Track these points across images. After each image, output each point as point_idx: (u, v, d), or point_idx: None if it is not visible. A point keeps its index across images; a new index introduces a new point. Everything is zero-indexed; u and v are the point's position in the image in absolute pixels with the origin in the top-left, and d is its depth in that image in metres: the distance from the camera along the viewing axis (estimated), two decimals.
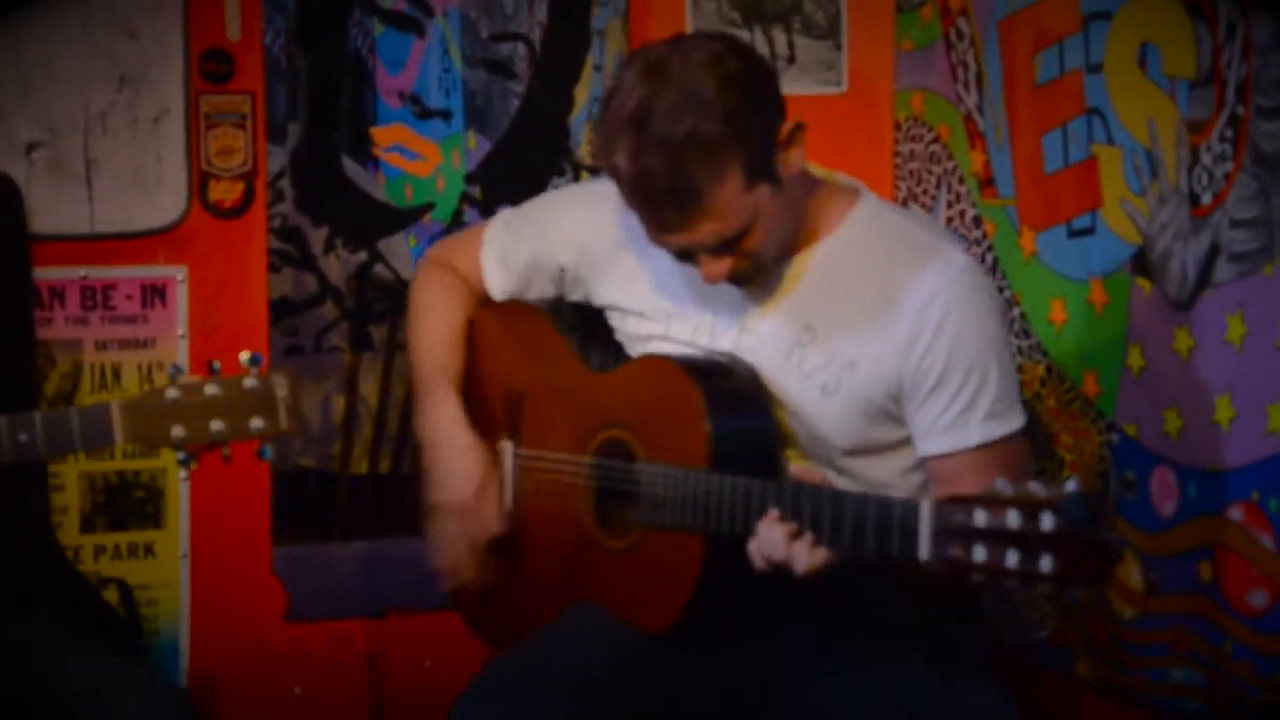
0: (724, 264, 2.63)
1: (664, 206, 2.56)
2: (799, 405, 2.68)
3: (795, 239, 2.70)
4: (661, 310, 2.81)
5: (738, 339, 2.73)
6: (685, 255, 2.65)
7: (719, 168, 2.53)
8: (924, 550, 2.21)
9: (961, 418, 2.63)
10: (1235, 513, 2.89)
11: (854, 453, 2.69)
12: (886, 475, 2.70)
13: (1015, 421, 2.66)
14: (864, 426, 2.68)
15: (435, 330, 2.99)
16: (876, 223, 2.73)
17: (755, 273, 2.68)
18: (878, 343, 2.65)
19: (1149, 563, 3.07)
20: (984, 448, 2.62)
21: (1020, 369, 3.33)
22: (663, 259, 2.76)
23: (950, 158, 3.58)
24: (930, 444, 2.66)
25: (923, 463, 2.69)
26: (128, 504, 3.45)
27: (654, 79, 2.54)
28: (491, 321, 3.00)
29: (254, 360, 2.60)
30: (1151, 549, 3.06)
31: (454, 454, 2.88)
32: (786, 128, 2.61)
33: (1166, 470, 3.04)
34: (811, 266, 2.71)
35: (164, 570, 3.48)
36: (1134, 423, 3.11)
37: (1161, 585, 3.06)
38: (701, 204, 2.54)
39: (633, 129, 2.53)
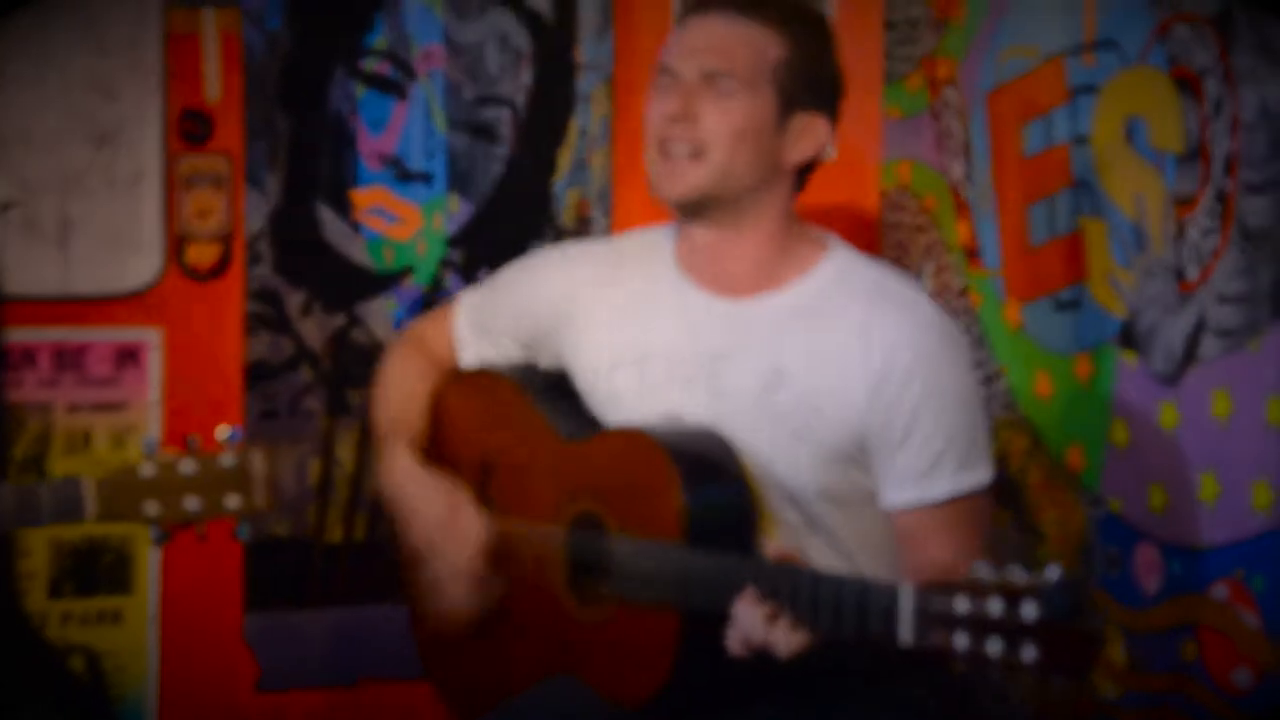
0: (690, 108, 2.63)
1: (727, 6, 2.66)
2: (771, 451, 2.64)
3: (768, 276, 2.69)
4: (635, 353, 2.76)
5: (709, 382, 2.70)
6: (664, 95, 2.67)
7: (774, 43, 2.65)
8: (905, 635, 2.18)
9: (930, 469, 2.60)
10: (1219, 590, 2.87)
11: (827, 501, 2.65)
12: (863, 528, 2.66)
13: (984, 474, 2.64)
14: (835, 473, 2.64)
15: (393, 396, 2.97)
16: (848, 270, 2.71)
17: (694, 174, 2.65)
18: (844, 389, 2.62)
19: (1132, 640, 3.05)
20: (952, 502, 2.60)
21: (1007, 441, 3.30)
22: (633, 304, 2.75)
23: (936, 228, 3.56)
24: (896, 495, 2.62)
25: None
26: (96, 569, 3.41)
27: None
28: (460, 394, 2.98)
29: (232, 437, 2.56)
30: (1135, 625, 3.04)
31: (415, 492, 2.83)
32: (817, 122, 2.70)
33: (1150, 546, 3.01)
34: (782, 308, 2.69)
35: (132, 637, 3.44)
36: (1119, 498, 3.09)
37: (1145, 663, 3.03)
38: (747, 34, 2.64)
39: None
